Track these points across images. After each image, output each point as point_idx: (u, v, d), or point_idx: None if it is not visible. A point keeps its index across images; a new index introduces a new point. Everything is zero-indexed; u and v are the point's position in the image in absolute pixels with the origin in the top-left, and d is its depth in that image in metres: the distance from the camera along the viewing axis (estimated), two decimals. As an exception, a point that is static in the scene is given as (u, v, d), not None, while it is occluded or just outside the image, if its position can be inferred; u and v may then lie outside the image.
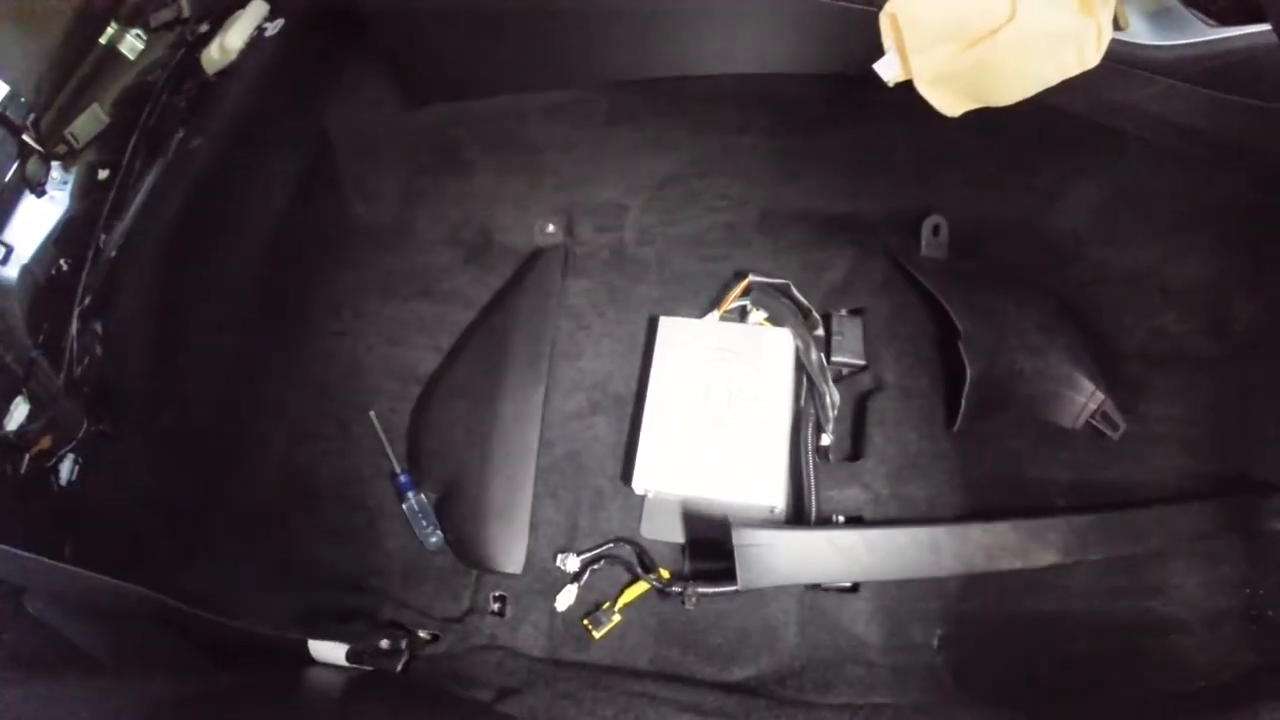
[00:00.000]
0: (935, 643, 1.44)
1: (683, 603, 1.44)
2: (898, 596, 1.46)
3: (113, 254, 1.47)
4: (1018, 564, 1.43)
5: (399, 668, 1.44)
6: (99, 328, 1.45)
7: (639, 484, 1.49)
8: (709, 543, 1.50)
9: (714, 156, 1.80)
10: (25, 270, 1.30)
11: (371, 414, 1.65)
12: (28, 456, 1.30)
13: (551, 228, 1.78)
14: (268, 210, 1.76)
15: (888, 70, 1.16)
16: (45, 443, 1.33)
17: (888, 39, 1.10)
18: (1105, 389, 1.54)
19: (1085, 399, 1.56)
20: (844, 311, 1.66)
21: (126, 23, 1.47)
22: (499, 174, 1.81)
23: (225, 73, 1.61)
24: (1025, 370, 1.57)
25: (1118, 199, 1.64)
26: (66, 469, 1.38)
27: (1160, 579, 1.47)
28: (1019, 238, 1.68)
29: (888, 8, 1.07)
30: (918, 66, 1.13)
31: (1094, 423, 1.56)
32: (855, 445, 1.57)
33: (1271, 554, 1.47)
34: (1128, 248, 1.63)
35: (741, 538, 1.37)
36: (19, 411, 1.28)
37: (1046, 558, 1.43)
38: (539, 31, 1.60)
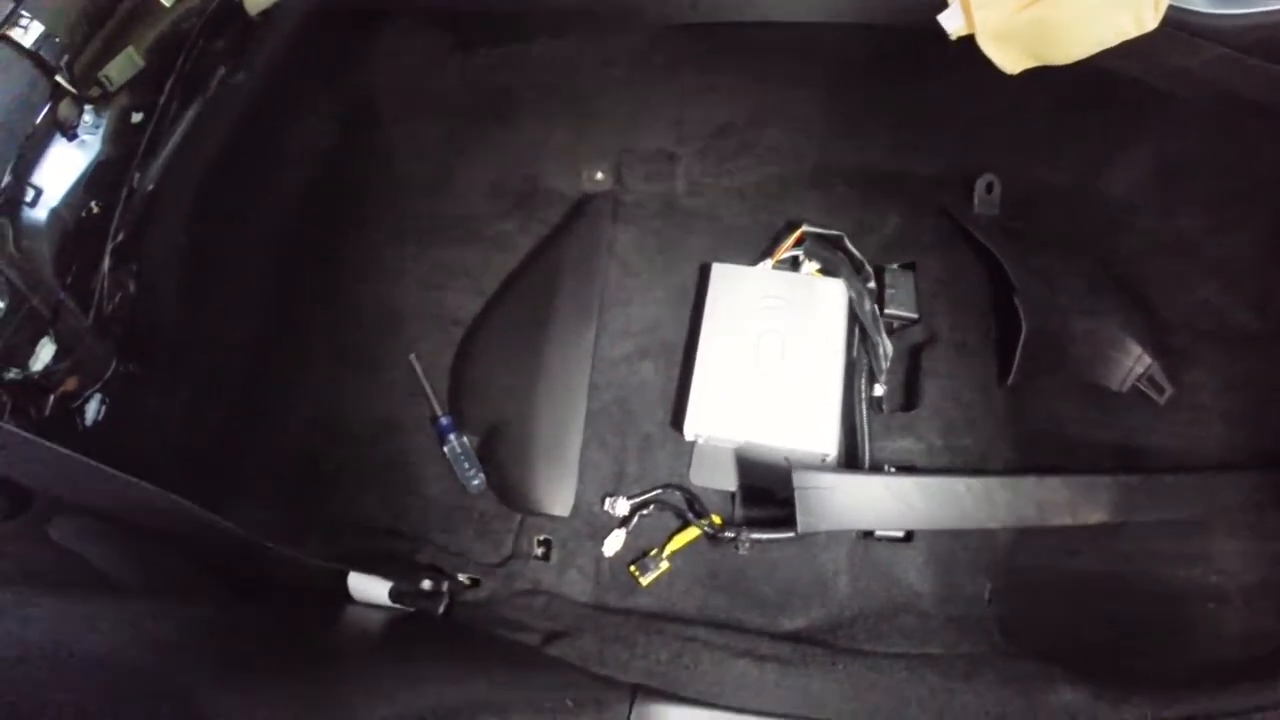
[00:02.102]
0: (987, 595, 1.42)
1: (736, 549, 1.41)
2: (950, 548, 1.44)
3: (149, 188, 1.42)
4: (1067, 520, 1.42)
5: (440, 610, 1.40)
6: (133, 266, 1.42)
7: (690, 429, 1.47)
8: (761, 490, 1.48)
9: (768, 108, 1.77)
10: (54, 213, 1.25)
11: (412, 356, 1.62)
12: (53, 398, 1.26)
13: (600, 175, 1.75)
14: (308, 152, 1.73)
15: (951, 22, 1.15)
16: (71, 384, 1.29)
17: None
18: (1153, 353, 1.52)
19: (1133, 362, 1.56)
20: (896, 266, 1.63)
21: (165, -32, 1.44)
22: (547, 120, 1.78)
23: (268, 12, 1.57)
24: (1077, 330, 1.57)
25: (1169, 167, 1.63)
26: (93, 410, 1.35)
27: (1203, 547, 1.46)
28: (1071, 200, 1.67)
29: None
30: (981, 20, 1.12)
31: (1141, 386, 1.55)
32: (909, 396, 1.55)
33: None
34: (1177, 217, 1.62)
35: (802, 480, 1.35)
36: (45, 352, 1.24)
37: (1095, 515, 1.42)
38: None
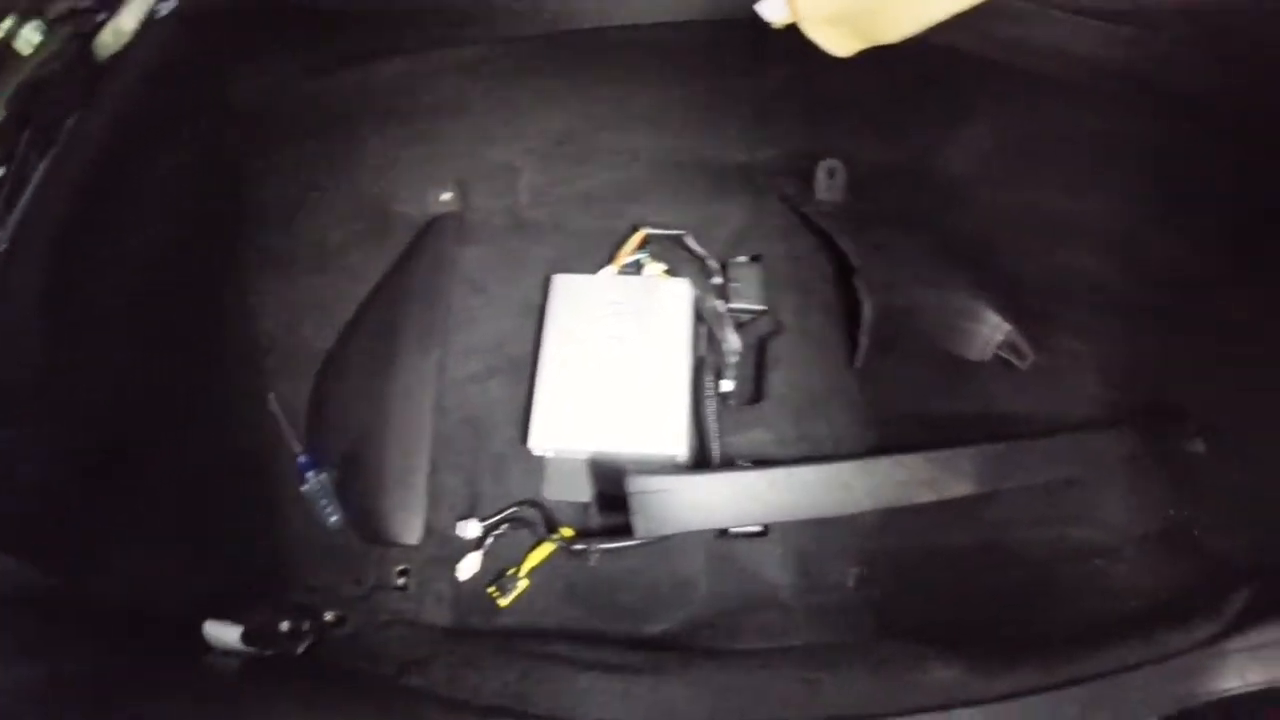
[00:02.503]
0: (852, 582, 1.42)
1: (587, 561, 1.40)
2: (809, 537, 1.44)
3: (3, 248, 1.43)
4: (931, 496, 1.41)
5: (300, 650, 1.39)
6: None
7: (535, 445, 1.46)
8: (616, 499, 1.46)
9: (604, 111, 1.77)
10: None
11: (270, 396, 1.61)
12: None
13: (446, 195, 1.74)
14: (162, 193, 1.71)
15: (773, 12, 1.14)
16: None
17: None
18: (1012, 320, 1.51)
19: (990, 330, 1.55)
20: (742, 258, 1.63)
21: (23, 17, 1.44)
22: (393, 143, 1.77)
23: (119, 56, 1.57)
24: (925, 304, 1.56)
25: (1014, 138, 1.63)
26: None
27: (1080, 506, 1.46)
28: (914, 178, 1.67)
29: None
30: (803, 7, 1.11)
31: (1001, 354, 1.54)
32: (757, 388, 1.54)
33: (1190, 476, 1.45)
34: (1028, 186, 1.61)
35: (636, 485, 1.34)
36: None
37: (960, 489, 1.41)
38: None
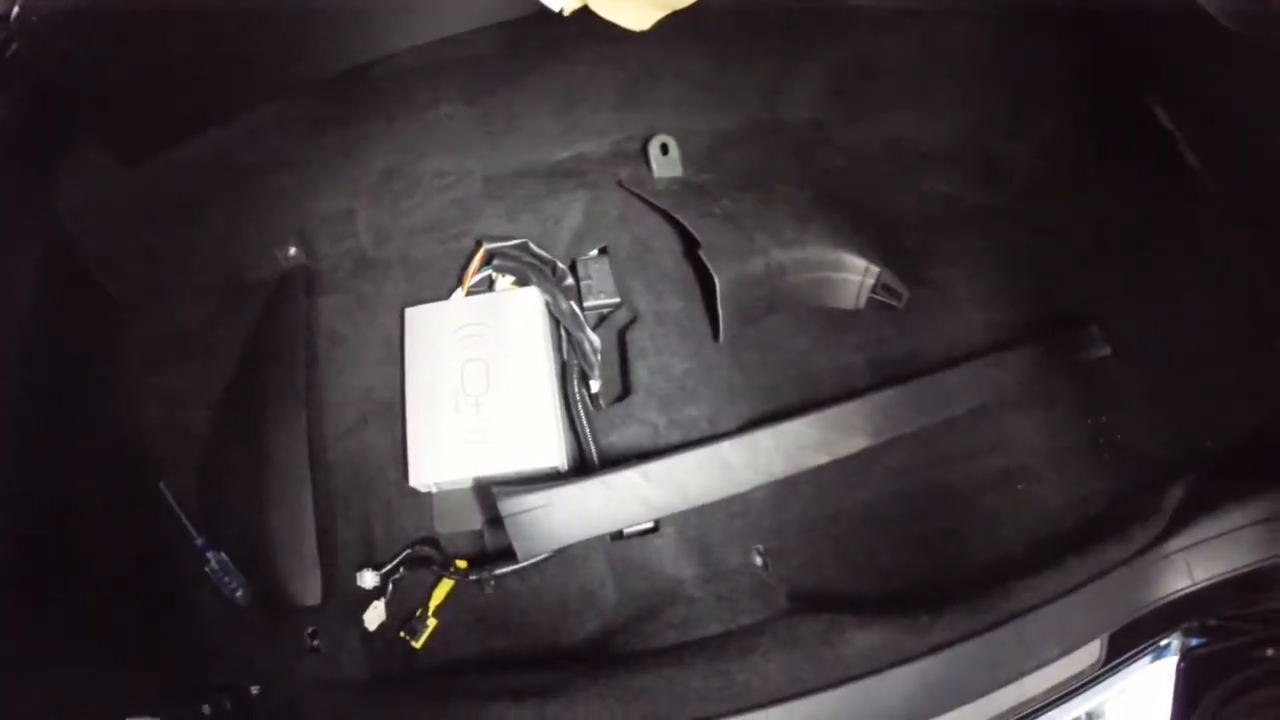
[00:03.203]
0: (759, 560, 1.41)
1: (482, 590, 1.40)
2: (700, 524, 1.44)
3: None
4: (824, 458, 1.41)
5: None
6: None
7: (416, 481, 1.48)
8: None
9: (419, 137, 1.76)
10: None
11: (161, 485, 1.60)
12: None
13: (293, 250, 1.73)
14: (16, 304, 1.70)
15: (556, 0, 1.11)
16: None
17: None
18: (880, 262, 1.50)
19: (860, 276, 1.53)
20: (592, 253, 1.62)
21: None
22: (228, 210, 1.75)
23: None
24: (786, 264, 1.54)
25: (847, 76, 1.61)
26: None
27: (993, 434, 1.46)
28: (755, 137, 1.65)
29: None
30: None
31: (877, 297, 1.52)
32: (624, 383, 1.54)
33: (1102, 381, 1.45)
34: (873, 121, 1.59)
35: (509, 507, 1.35)
36: None
37: (854, 444, 1.41)
38: (212, 55, 1.54)
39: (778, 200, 1.62)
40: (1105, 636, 1.17)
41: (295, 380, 1.60)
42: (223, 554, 1.54)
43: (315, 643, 1.48)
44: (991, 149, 1.60)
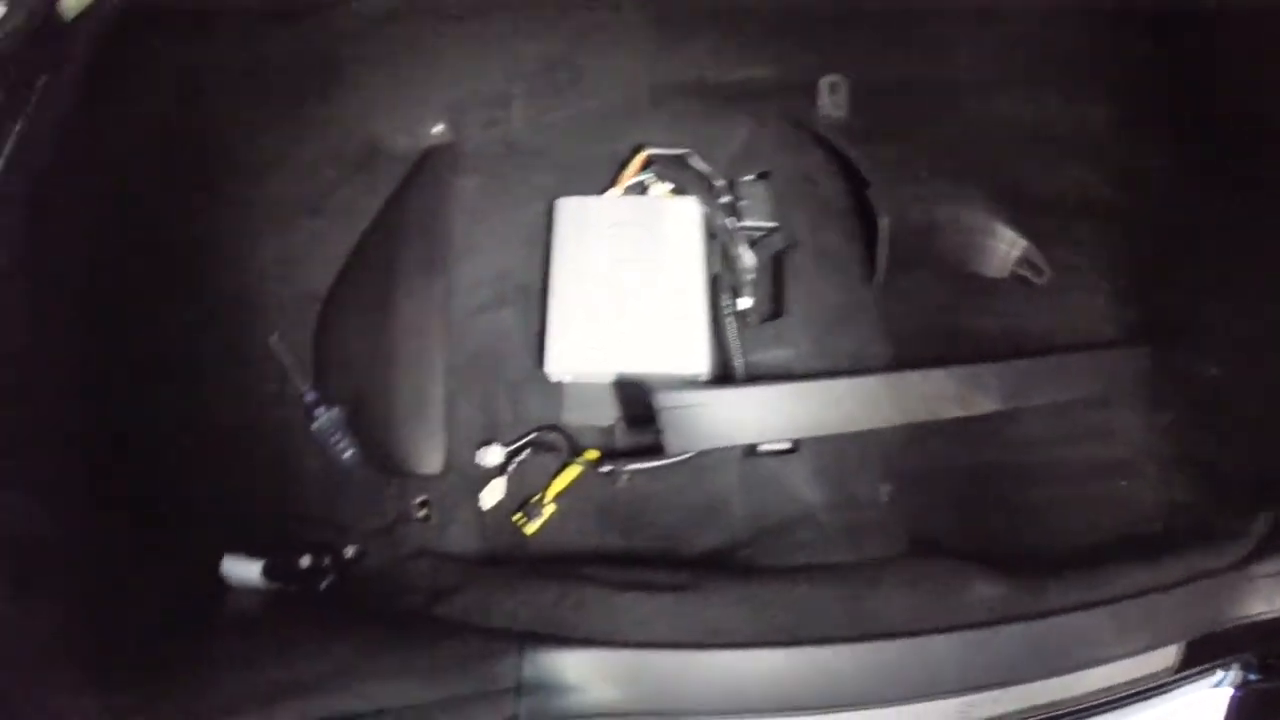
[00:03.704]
0: (884, 498, 1.40)
1: (614, 483, 1.37)
2: (839, 453, 1.42)
3: None
4: (958, 412, 1.40)
5: (322, 587, 1.35)
6: None
7: (552, 369, 1.44)
8: (640, 419, 1.44)
9: (595, 34, 1.73)
10: None
11: (273, 338, 1.56)
12: None
13: (439, 127, 1.69)
14: (138, 148, 1.65)
15: None
16: None
17: None
18: (1027, 236, 1.51)
19: (1008, 247, 1.54)
20: (750, 176, 1.60)
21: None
22: (378, 80, 1.71)
23: (84, 15, 1.50)
24: (942, 220, 1.54)
25: (1014, 49, 1.62)
26: None
27: (1104, 424, 1.46)
28: (919, 92, 1.65)
29: None
30: None
31: (1019, 271, 1.53)
32: (776, 304, 1.52)
33: (1205, 397, 1.46)
34: (1028, 99, 1.61)
35: (666, 400, 1.32)
36: None
37: (986, 405, 1.41)
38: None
39: (940, 157, 1.62)
40: (1183, 644, 1.16)
41: (435, 251, 1.57)
42: (333, 411, 1.47)
43: (423, 513, 1.44)
44: (1127, 149, 1.62)
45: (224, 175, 1.68)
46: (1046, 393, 1.46)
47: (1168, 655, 1.16)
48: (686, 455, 1.36)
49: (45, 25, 1.47)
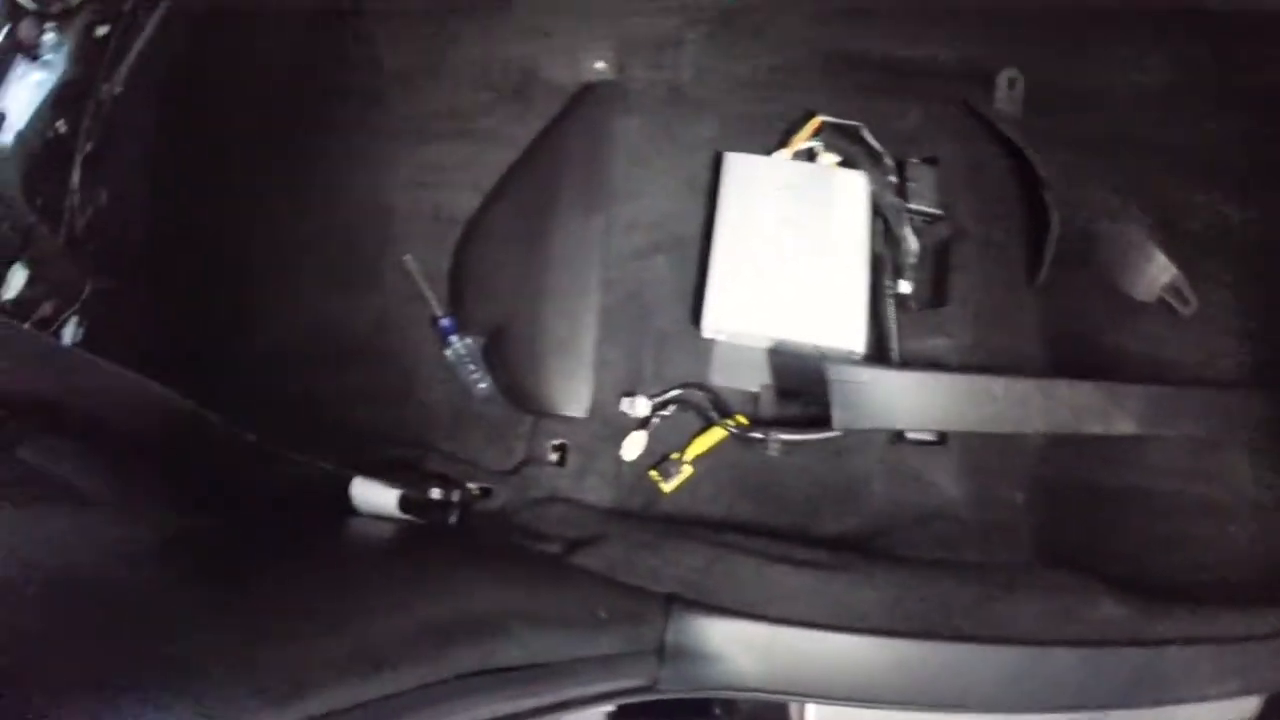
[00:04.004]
0: (1018, 502, 1.37)
1: (765, 449, 1.34)
2: (984, 452, 1.39)
3: (116, 92, 1.32)
4: (1099, 428, 1.38)
5: (453, 520, 1.32)
6: (104, 175, 1.34)
7: (708, 327, 1.40)
8: (785, 390, 1.41)
9: (780, -13, 1.65)
10: (20, 137, 1.19)
11: (407, 258, 1.51)
12: (27, 324, 1.20)
13: (601, 64, 1.64)
14: (281, 47, 1.62)
15: None
16: (48, 309, 1.24)
17: None
18: (1178, 263, 1.48)
19: (1158, 271, 1.51)
20: (917, 160, 1.55)
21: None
22: (542, 6, 1.66)
23: None
24: (1102, 232, 1.52)
25: (1190, 74, 1.58)
26: (70, 332, 1.29)
27: (1217, 464, 1.42)
28: (1093, 101, 1.62)
29: None
30: None
31: (1166, 297, 1.51)
32: (936, 292, 1.49)
33: None
34: (1195, 125, 1.57)
35: (838, 373, 1.28)
36: (17, 279, 1.19)
37: (1125, 426, 1.39)
38: None
39: (1108, 170, 1.58)
40: (1263, 698, 1.16)
41: (595, 187, 1.52)
42: (468, 340, 1.42)
43: (555, 456, 1.40)
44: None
45: (368, 84, 1.66)
46: (1177, 424, 1.44)
47: (1248, 705, 1.17)
48: (847, 431, 1.30)
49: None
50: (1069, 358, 1.46)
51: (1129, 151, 1.58)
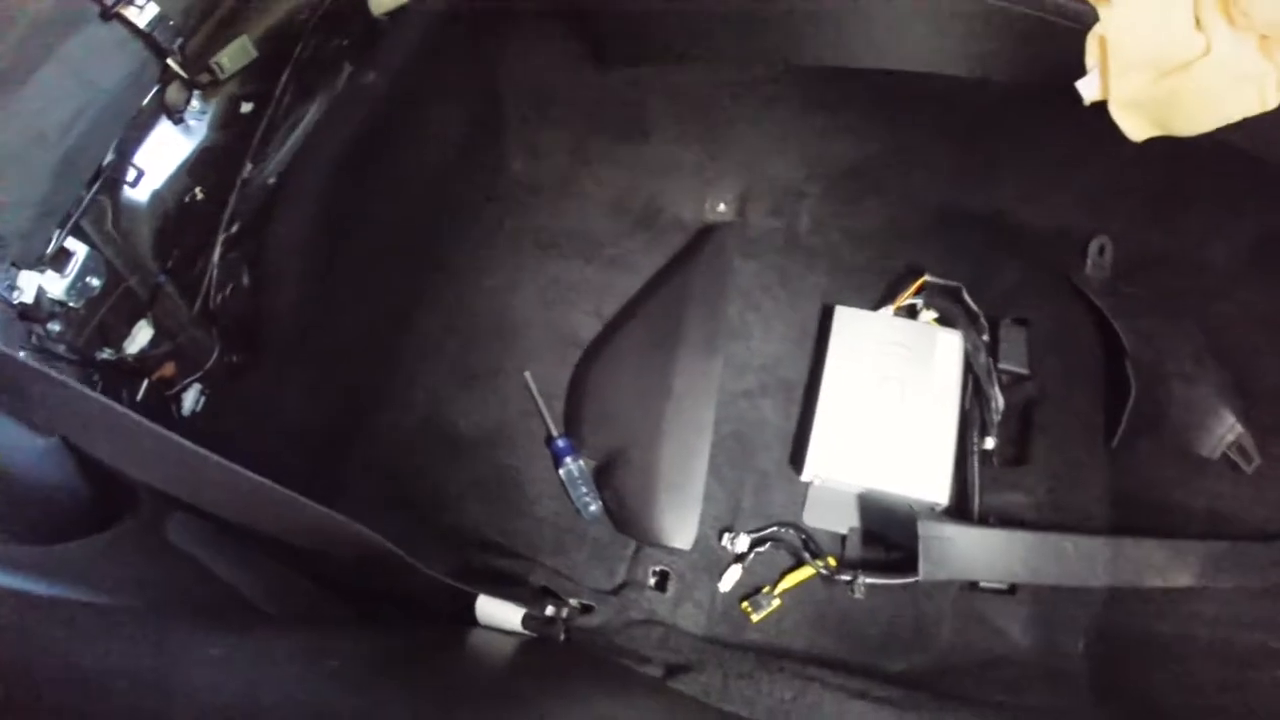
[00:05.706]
0: (1080, 649, 1.46)
1: (851, 591, 1.46)
2: (1051, 602, 1.48)
3: (270, 181, 1.42)
4: (1159, 582, 1.46)
5: (561, 637, 1.40)
6: (243, 257, 1.43)
7: (809, 472, 1.51)
8: (872, 534, 1.52)
9: (890, 152, 1.78)
10: (156, 195, 1.26)
11: (527, 374, 1.63)
12: (147, 382, 1.27)
13: (723, 206, 1.76)
14: (433, 154, 1.72)
15: (1089, 89, 1.19)
16: (169, 369, 1.30)
17: (1092, 59, 1.14)
18: (1244, 422, 1.57)
19: (1224, 430, 1.59)
20: (1010, 320, 1.66)
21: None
22: (676, 143, 1.79)
23: (394, 14, 1.57)
24: (1177, 396, 1.60)
25: (1268, 241, 1.66)
26: (190, 399, 1.35)
27: (1270, 612, 1.49)
28: (1176, 267, 1.69)
29: (1097, 29, 1.10)
30: (1116, 89, 1.16)
31: (1230, 454, 1.59)
32: (1019, 451, 1.58)
33: None
34: (1272, 290, 1.65)
35: (927, 529, 1.40)
36: (141, 335, 1.26)
37: (1184, 579, 1.46)
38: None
39: (1186, 335, 1.65)
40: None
41: (717, 326, 1.64)
42: (580, 461, 1.54)
43: (653, 581, 1.51)
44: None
45: (506, 197, 1.76)
46: (1235, 577, 1.51)
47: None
48: (932, 580, 1.42)
49: (348, 13, 1.54)
50: (1135, 514, 1.55)
51: (1210, 316, 1.67)
